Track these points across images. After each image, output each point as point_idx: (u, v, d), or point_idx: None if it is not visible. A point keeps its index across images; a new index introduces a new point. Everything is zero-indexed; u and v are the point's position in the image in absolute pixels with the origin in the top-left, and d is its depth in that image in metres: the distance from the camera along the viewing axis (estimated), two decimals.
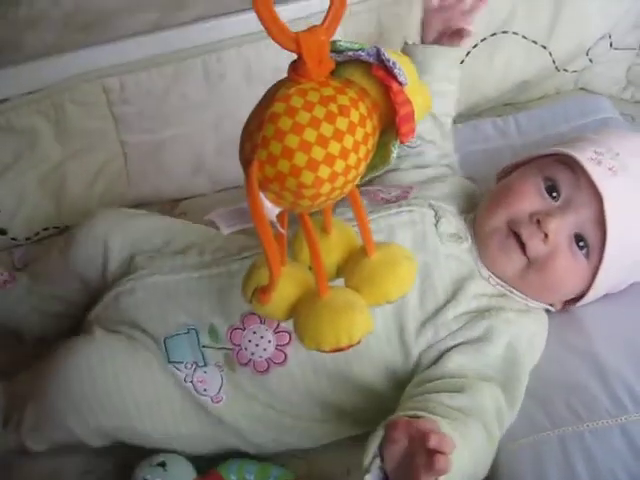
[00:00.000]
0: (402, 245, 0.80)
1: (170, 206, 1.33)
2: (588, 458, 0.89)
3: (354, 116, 0.63)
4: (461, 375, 0.91)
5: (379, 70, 0.67)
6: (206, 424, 0.96)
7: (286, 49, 0.62)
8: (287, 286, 0.73)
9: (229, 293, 0.96)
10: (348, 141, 0.63)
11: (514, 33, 1.37)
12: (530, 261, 0.97)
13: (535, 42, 1.38)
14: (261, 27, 0.61)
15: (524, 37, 1.37)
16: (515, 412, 0.92)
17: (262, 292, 0.72)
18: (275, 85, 0.66)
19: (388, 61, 0.66)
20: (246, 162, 0.64)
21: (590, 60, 1.44)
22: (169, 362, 0.96)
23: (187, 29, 1.22)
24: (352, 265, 0.76)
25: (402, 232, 0.99)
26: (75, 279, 1.08)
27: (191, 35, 1.22)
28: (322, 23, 0.64)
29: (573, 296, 1.02)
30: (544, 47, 1.39)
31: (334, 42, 0.67)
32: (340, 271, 0.77)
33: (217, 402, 0.96)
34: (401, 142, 0.68)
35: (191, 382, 0.96)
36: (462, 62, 1.34)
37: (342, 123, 0.62)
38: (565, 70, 1.45)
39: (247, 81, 1.25)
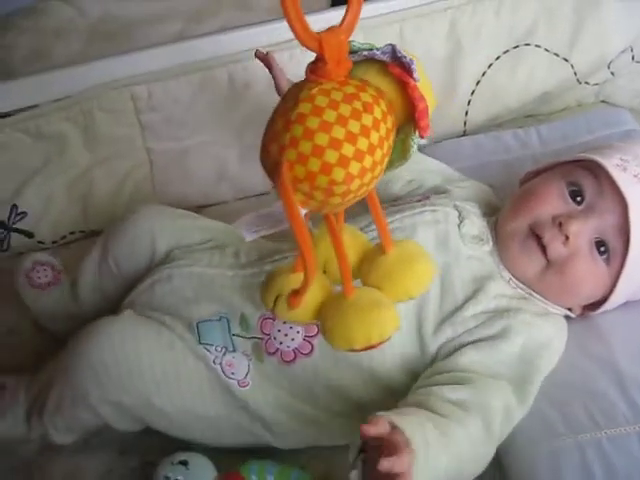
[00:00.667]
0: (419, 243, 0.82)
1: (195, 212, 1.35)
2: (606, 464, 0.89)
3: (377, 113, 0.65)
4: (471, 370, 0.92)
5: (395, 68, 0.69)
6: (231, 406, 0.98)
7: (308, 48, 0.63)
8: (313, 289, 0.74)
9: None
10: (374, 137, 0.64)
11: (536, 46, 1.37)
12: (550, 263, 0.98)
13: (557, 55, 1.39)
14: (285, 38, 0.63)
15: (546, 50, 1.38)
16: (525, 411, 0.93)
17: (294, 296, 0.73)
18: (294, 87, 0.67)
19: (405, 58, 0.68)
20: (273, 164, 0.65)
21: (612, 73, 1.45)
22: (200, 343, 0.98)
23: (214, 39, 1.25)
24: (369, 264, 0.77)
25: (424, 231, 1.00)
26: (114, 278, 1.11)
27: (218, 45, 1.24)
28: (341, 23, 0.65)
29: (592, 301, 1.02)
30: (566, 60, 1.40)
31: (348, 42, 0.68)
32: (355, 273, 0.78)
33: (243, 386, 0.97)
34: (421, 136, 0.70)
35: (220, 364, 0.98)
36: (484, 74, 1.37)
37: (367, 119, 0.64)
38: (587, 83, 1.45)
39: (271, 90, 1.26)
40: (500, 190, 1.16)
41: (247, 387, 0.98)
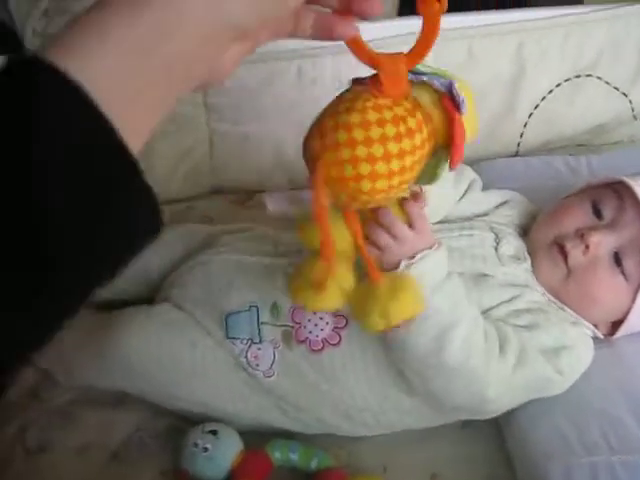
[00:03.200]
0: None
1: (247, 196, 1.39)
2: None
3: (417, 139, 0.69)
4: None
5: (448, 102, 0.72)
6: (255, 394, 1.02)
7: (366, 64, 0.68)
8: (339, 277, 0.80)
9: None
10: (408, 160, 0.69)
11: (598, 77, 1.40)
12: (570, 270, 1.02)
13: (617, 88, 1.42)
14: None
15: (607, 82, 1.41)
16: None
17: (317, 286, 0.79)
18: (353, 92, 0.71)
19: (458, 97, 0.72)
20: (313, 158, 0.70)
21: None
22: (227, 338, 1.02)
23: None
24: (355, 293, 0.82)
25: (458, 257, 1.03)
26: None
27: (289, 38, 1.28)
28: (410, 51, 0.68)
29: (614, 319, 1.06)
30: (625, 94, 1.43)
31: None
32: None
33: (268, 377, 1.01)
34: (451, 168, 0.75)
35: (245, 357, 1.01)
36: (544, 99, 1.39)
37: (406, 144, 0.68)
38: None
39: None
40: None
41: (272, 377, 1.01)
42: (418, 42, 0.68)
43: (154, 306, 1.08)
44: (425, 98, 0.73)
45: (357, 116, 0.68)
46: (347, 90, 0.72)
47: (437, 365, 0.90)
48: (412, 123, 0.69)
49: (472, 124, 0.74)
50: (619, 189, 1.06)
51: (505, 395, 0.95)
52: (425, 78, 0.73)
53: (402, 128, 0.68)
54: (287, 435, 1.04)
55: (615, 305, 1.04)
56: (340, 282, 0.80)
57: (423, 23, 0.67)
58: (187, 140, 1.35)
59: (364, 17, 0.61)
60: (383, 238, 0.86)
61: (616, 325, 1.07)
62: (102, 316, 1.09)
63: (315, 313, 1.00)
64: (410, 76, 0.72)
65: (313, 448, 1.01)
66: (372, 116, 0.68)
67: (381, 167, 0.68)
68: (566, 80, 1.39)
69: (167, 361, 1.02)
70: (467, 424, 1.05)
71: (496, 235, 1.06)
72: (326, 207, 0.70)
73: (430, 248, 0.88)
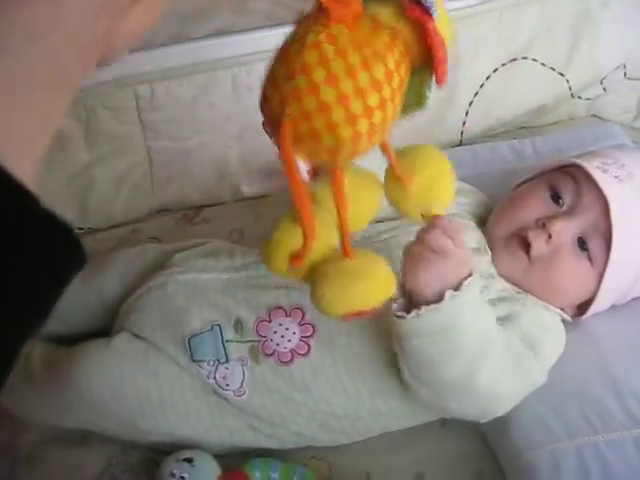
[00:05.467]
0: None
1: (194, 212, 1.36)
2: (604, 467, 0.92)
3: (390, 62, 0.58)
4: None
5: (415, 9, 0.60)
6: (228, 413, 0.99)
7: None
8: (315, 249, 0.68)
9: (257, 290, 1.00)
10: (386, 91, 0.58)
11: (533, 60, 1.41)
12: (532, 260, 1.01)
13: (553, 69, 1.42)
14: None
15: (543, 64, 1.41)
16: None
17: (296, 258, 0.67)
18: (302, 25, 0.59)
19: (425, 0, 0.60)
20: (274, 116, 0.59)
21: (604, 89, 1.49)
22: (193, 361, 0.99)
23: (219, 41, 1.26)
24: (326, 265, 0.70)
25: None
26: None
27: (223, 47, 1.25)
28: None
29: (580, 301, 1.06)
30: (562, 74, 1.44)
31: None
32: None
33: (239, 395, 0.98)
34: (438, 84, 0.63)
35: (214, 379, 0.98)
36: (482, 86, 1.39)
37: (379, 71, 0.57)
38: (579, 97, 1.49)
39: None
40: (496, 200, 1.19)
41: (243, 396, 0.98)
42: None
43: (112, 338, 1.03)
44: (385, 12, 0.61)
45: (312, 54, 0.57)
46: (293, 29, 0.60)
47: (465, 388, 0.89)
48: (378, 44, 0.58)
49: (446, 28, 0.62)
50: (573, 172, 1.05)
51: (514, 403, 0.94)
52: None
53: (368, 53, 0.57)
54: (262, 452, 1.01)
55: (581, 289, 1.04)
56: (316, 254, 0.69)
57: None
58: (126, 161, 1.30)
59: None
60: (425, 251, 0.82)
61: (582, 307, 1.06)
62: (62, 351, 1.04)
63: (280, 325, 0.98)
64: None
65: (293, 464, 0.98)
66: (328, 49, 0.56)
67: (356, 105, 0.56)
68: (502, 65, 1.39)
69: (131, 395, 0.98)
70: (446, 422, 1.04)
71: None
72: (299, 175, 0.59)
73: (471, 275, 0.85)
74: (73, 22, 0.44)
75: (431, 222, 0.80)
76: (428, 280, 0.83)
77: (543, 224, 1.00)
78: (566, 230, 1.00)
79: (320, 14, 0.58)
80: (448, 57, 0.61)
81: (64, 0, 0.43)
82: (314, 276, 0.69)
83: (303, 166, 0.59)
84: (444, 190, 0.77)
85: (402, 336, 0.87)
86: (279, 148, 0.58)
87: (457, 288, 0.83)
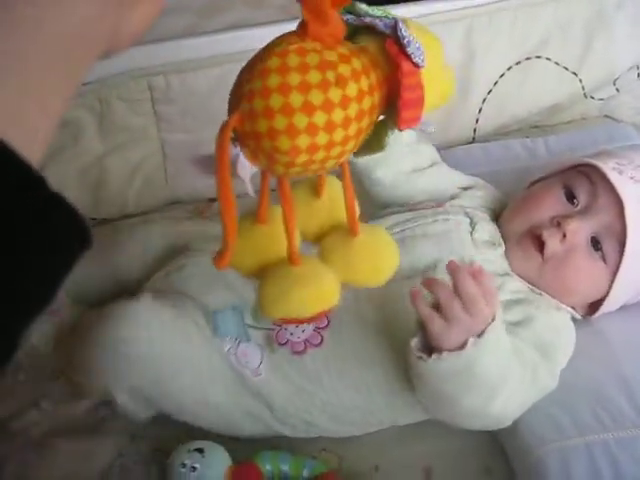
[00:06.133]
0: (385, 232, 0.77)
1: (205, 206, 1.36)
2: (614, 466, 0.92)
3: (351, 89, 0.58)
4: None
5: (393, 46, 0.60)
6: (243, 395, 0.99)
7: None
8: (258, 247, 0.70)
9: None
10: (337, 115, 0.57)
11: (547, 59, 1.41)
12: (546, 258, 1.01)
13: (566, 68, 1.42)
14: None
15: (556, 63, 1.41)
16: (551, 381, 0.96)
17: (219, 257, 0.65)
18: (280, 37, 0.61)
19: (403, 38, 0.60)
20: (230, 113, 0.61)
21: (617, 89, 1.49)
22: (216, 334, 0.99)
23: (235, 34, 1.26)
24: (331, 242, 0.72)
25: (434, 242, 1.02)
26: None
27: (238, 40, 1.26)
28: None
29: (592, 300, 1.06)
30: (575, 74, 1.43)
31: (354, 3, 0.63)
32: (318, 240, 0.74)
33: (256, 376, 0.98)
34: (399, 129, 0.63)
35: (234, 354, 0.99)
36: (496, 83, 1.39)
37: (335, 94, 0.57)
38: (592, 97, 1.49)
39: None
40: (509, 197, 1.19)
41: (260, 377, 0.99)
42: None
43: (141, 296, 1.00)
44: (374, 44, 0.62)
45: (275, 61, 0.58)
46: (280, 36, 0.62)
47: (479, 415, 0.89)
48: (344, 70, 0.58)
49: (438, 80, 0.63)
50: (588, 172, 1.05)
51: (523, 411, 0.95)
52: (367, 20, 0.62)
53: (330, 75, 0.57)
54: (273, 444, 1.01)
55: (594, 288, 1.04)
56: (258, 252, 0.70)
57: None
58: (139, 152, 1.31)
59: None
60: (457, 310, 0.82)
61: (593, 306, 1.07)
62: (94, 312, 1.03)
63: None
64: (350, 19, 0.62)
65: (303, 457, 0.98)
66: (292, 60, 0.57)
67: (300, 119, 0.56)
68: (517, 63, 1.39)
69: (158, 346, 0.96)
70: None
71: (471, 219, 1.06)
72: (227, 172, 0.59)
73: (494, 320, 0.84)
74: (80, 10, 0.44)
75: (457, 268, 0.82)
76: (457, 337, 0.83)
77: (558, 223, 1.01)
78: (581, 230, 1.00)
79: (300, 28, 0.59)
80: (420, 103, 0.61)
81: None
82: (261, 277, 0.70)
83: (249, 167, 0.60)
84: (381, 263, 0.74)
85: (421, 375, 0.88)
86: (217, 140, 0.59)
87: (480, 335, 0.83)
